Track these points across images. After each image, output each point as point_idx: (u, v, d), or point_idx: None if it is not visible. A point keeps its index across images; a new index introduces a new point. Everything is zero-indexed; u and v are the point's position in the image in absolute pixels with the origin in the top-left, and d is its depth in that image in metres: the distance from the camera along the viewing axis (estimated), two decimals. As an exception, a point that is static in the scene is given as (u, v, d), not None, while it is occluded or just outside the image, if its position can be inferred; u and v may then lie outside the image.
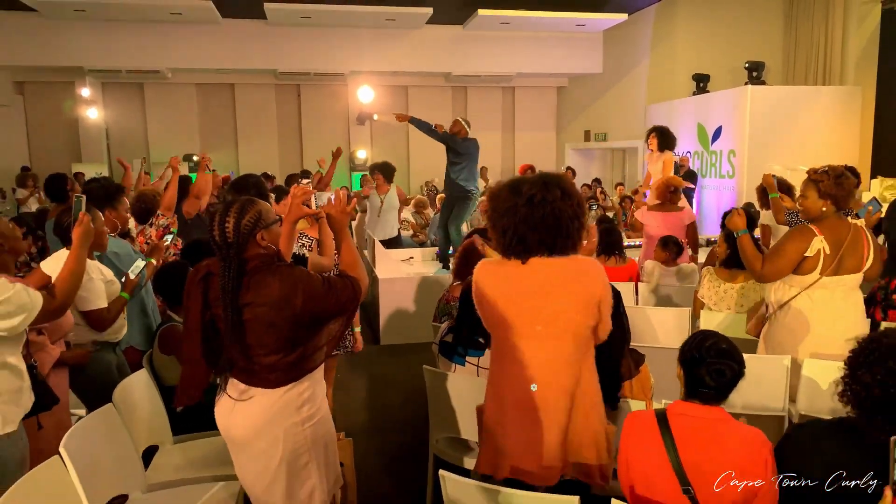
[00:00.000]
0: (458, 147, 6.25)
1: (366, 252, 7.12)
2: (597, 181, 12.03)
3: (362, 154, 13.68)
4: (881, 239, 4.28)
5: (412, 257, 7.47)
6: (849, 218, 3.14)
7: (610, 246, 4.67)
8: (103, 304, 3.00)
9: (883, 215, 4.15)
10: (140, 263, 3.25)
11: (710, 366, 1.85)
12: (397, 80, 13.63)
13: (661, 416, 1.88)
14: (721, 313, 3.71)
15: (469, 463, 2.80)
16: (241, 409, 2.17)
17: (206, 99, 13.41)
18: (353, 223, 9.21)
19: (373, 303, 6.18)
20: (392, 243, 7.42)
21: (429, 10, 10.77)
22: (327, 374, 3.68)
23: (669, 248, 4.54)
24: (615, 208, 9.78)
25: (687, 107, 10.51)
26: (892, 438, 1.15)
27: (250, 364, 2.14)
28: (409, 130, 14.34)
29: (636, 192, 9.74)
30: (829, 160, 9.26)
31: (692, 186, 8.75)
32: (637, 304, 4.47)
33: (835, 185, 3.00)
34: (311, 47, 11.82)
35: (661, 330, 3.73)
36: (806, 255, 2.99)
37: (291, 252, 2.85)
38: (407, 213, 9.20)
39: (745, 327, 3.50)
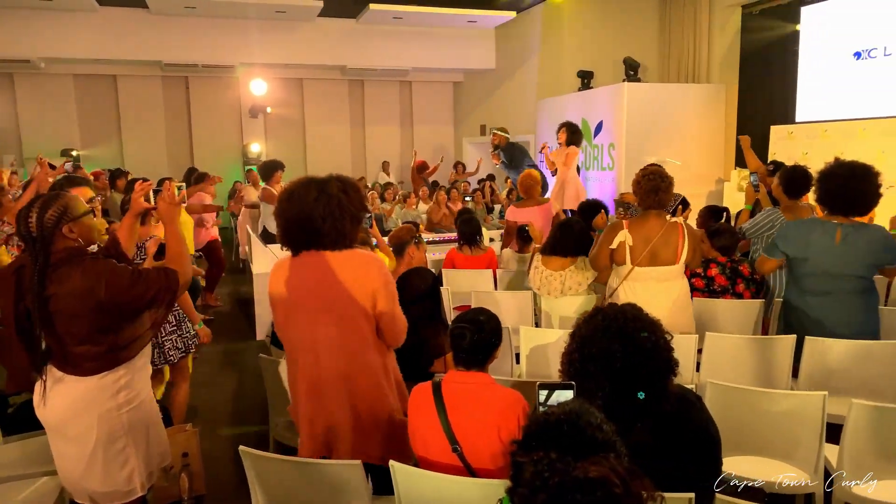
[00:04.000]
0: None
1: (245, 248, 7.04)
2: (490, 177, 12.29)
3: (255, 148, 13.41)
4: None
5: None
6: (668, 216, 3.46)
7: (467, 236, 4.87)
8: None
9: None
10: None
11: (453, 330, 2.06)
12: (291, 73, 13.45)
13: (437, 385, 2.05)
14: (558, 297, 3.95)
15: (305, 444, 2.88)
16: (56, 395, 2.22)
17: (85, 91, 12.69)
18: (238, 219, 9.04)
19: (251, 298, 6.13)
20: None
21: (319, 3, 10.72)
22: (181, 370, 3.68)
23: (518, 238, 4.81)
24: (503, 201, 10.07)
25: (573, 102, 10.96)
26: (538, 383, 1.33)
27: (64, 352, 2.19)
28: (306, 124, 14.21)
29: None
30: (698, 153, 10.01)
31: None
32: (496, 289, 4.70)
33: (634, 185, 3.32)
34: (197, 38, 11.46)
35: (504, 311, 3.96)
36: (611, 247, 3.30)
37: (134, 243, 2.88)
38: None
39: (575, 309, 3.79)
